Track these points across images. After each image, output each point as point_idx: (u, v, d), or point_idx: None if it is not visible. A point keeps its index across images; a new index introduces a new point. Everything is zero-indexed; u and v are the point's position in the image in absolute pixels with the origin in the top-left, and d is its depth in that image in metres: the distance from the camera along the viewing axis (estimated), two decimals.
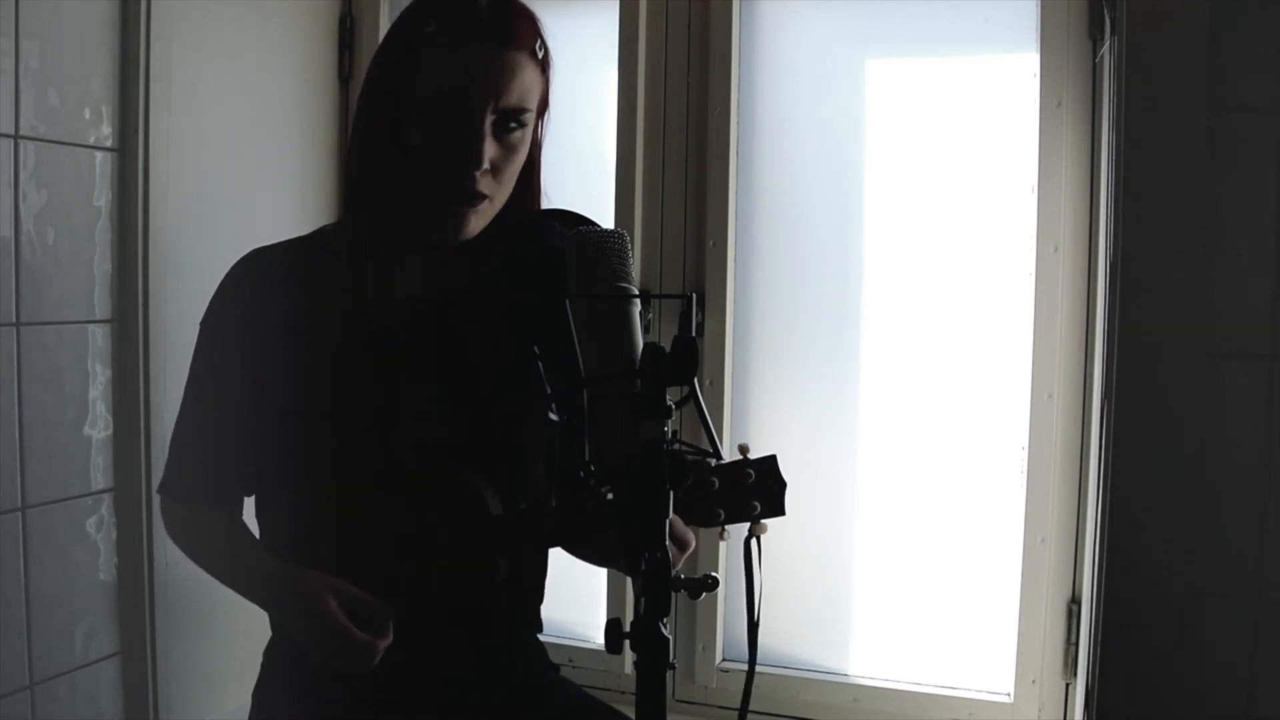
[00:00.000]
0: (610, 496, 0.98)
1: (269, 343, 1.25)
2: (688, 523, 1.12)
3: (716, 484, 1.05)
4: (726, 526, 1.08)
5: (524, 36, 1.19)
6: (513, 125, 1.21)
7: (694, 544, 1.14)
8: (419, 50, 1.19)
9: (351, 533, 1.21)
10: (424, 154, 1.20)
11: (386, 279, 1.28)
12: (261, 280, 1.28)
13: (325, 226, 1.34)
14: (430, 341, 1.28)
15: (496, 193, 1.23)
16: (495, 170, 1.21)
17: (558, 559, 1.37)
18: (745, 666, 1.03)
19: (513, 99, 1.19)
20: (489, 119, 1.18)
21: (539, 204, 1.31)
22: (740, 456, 1.11)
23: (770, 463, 1.09)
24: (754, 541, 1.02)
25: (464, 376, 1.27)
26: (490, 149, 1.19)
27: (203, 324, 1.30)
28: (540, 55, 1.22)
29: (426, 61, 1.18)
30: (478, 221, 1.23)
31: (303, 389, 1.24)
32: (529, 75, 1.20)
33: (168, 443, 1.34)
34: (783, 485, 1.09)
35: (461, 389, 1.27)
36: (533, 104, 1.22)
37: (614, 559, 1.23)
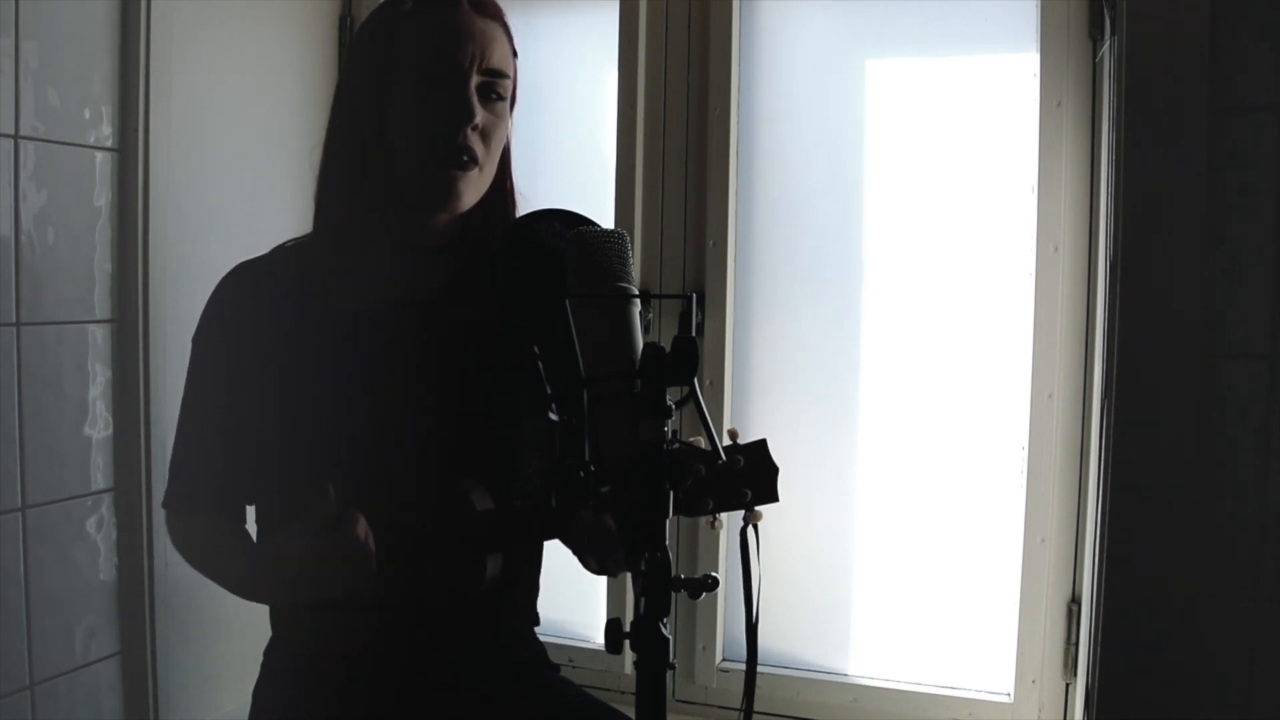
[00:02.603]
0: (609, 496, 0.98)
1: (259, 353, 1.26)
2: (676, 513, 1.11)
3: (704, 470, 0.98)
4: (718, 515, 1.05)
5: (499, 12, 1.26)
6: (494, 94, 1.24)
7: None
8: (398, 24, 1.22)
9: None
10: (413, 120, 1.21)
11: (374, 281, 1.28)
12: (248, 293, 1.29)
13: (308, 233, 1.33)
14: (419, 342, 1.28)
15: (484, 163, 1.24)
16: (484, 136, 1.23)
17: (559, 559, 1.38)
18: (745, 666, 1.02)
19: (494, 61, 1.23)
20: (474, 79, 1.22)
21: (514, 201, 1.32)
22: (730, 442, 1.08)
23: (760, 447, 1.05)
24: (750, 530, 1.01)
25: (453, 376, 1.28)
26: (478, 109, 1.22)
27: (194, 340, 1.31)
28: (510, 36, 1.27)
29: (408, 33, 1.22)
30: (469, 191, 1.24)
31: (295, 396, 1.24)
32: (505, 47, 1.25)
33: (168, 443, 1.35)
34: (774, 470, 1.05)
35: (451, 389, 1.27)
36: (510, 73, 1.26)
37: (607, 556, 1.22)
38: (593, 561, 1.24)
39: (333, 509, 1.15)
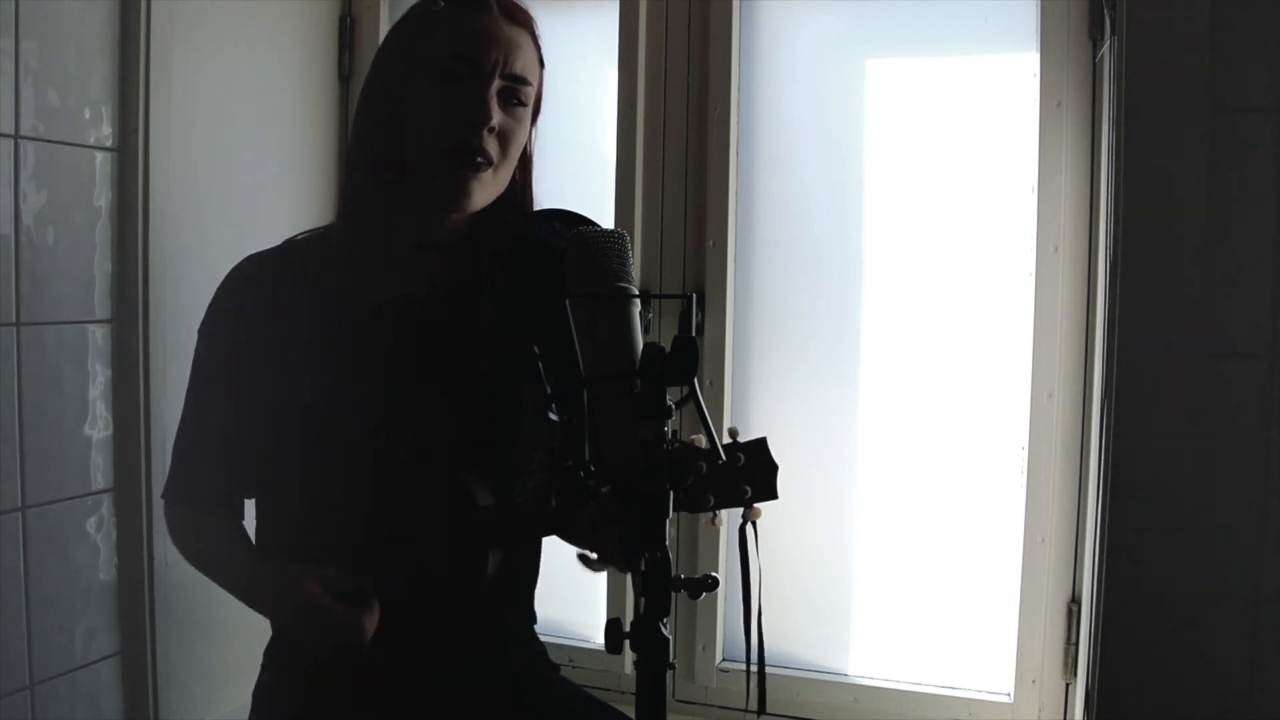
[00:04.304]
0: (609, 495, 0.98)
1: (265, 347, 1.26)
2: (678, 509, 1.11)
3: (704, 468, 1.01)
4: (718, 512, 1.05)
5: (528, 21, 1.27)
6: (515, 101, 1.25)
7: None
8: (428, 24, 1.23)
9: (348, 529, 1.22)
10: (432, 117, 1.22)
11: (385, 276, 1.29)
12: (256, 286, 1.29)
13: (320, 227, 1.34)
14: (426, 338, 1.28)
15: (499, 165, 1.25)
16: (500, 138, 1.23)
17: (558, 559, 1.38)
18: (745, 666, 1.02)
19: (518, 67, 1.24)
20: (495, 83, 1.23)
21: (532, 208, 1.33)
22: (730, 440, 1.09)
23: (760, 445, 1.06)
24: (750, 528, 1.02)
25: (459, 373, 1.28)
26: (496, 112, 1.21)
27: (200, 332, 1.31)
28: (539, 45, 1.28)
29: (435, 32, 1.23)
30: (480, 192, 1.24)
31: (300, 390, 1.24)
32: (531, 54, 1.26)
33: (168, 443, 1.35)
34: (774, 467, 1.06)
35: (455, 385, 1.28)
36: (534, 80, 1.26)
37: (608, 549, 1.23)
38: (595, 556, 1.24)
39: (366, 585, 1.18)
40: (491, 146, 1.23)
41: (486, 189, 1.25)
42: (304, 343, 1.26)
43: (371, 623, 1.17)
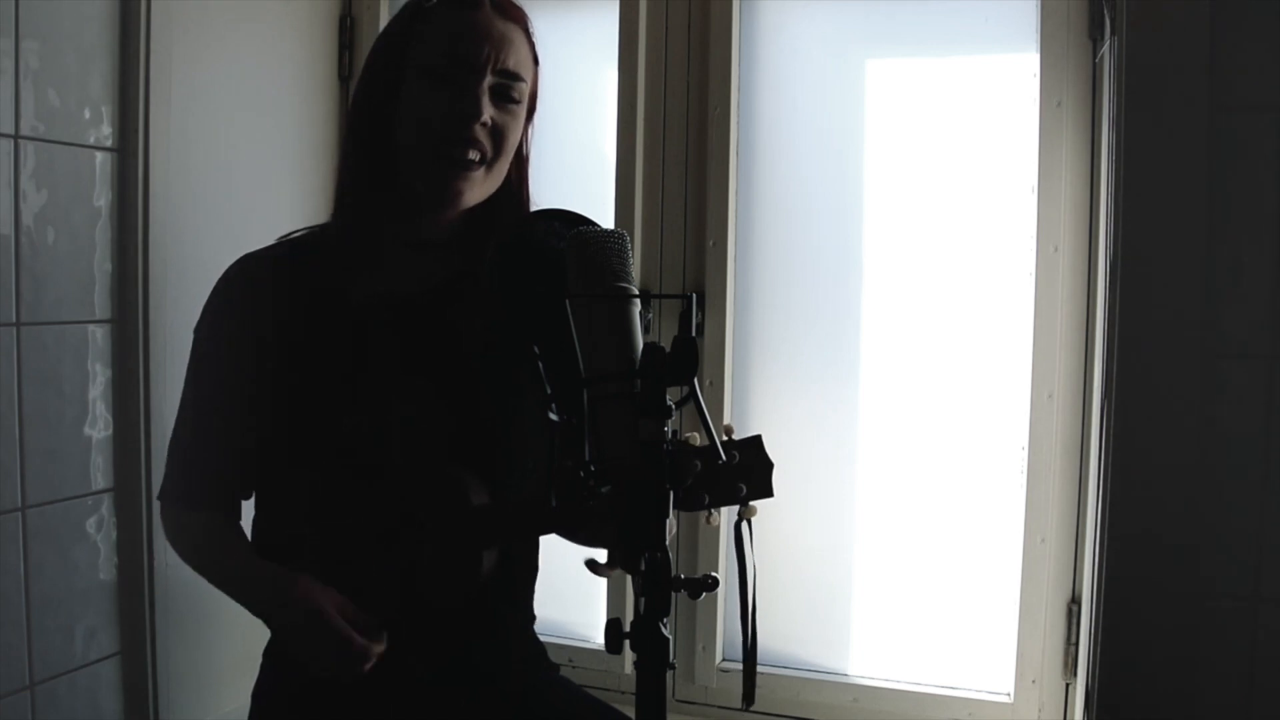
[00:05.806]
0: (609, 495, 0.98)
1: (260, 346, 1.26)
2: (674, 507, 1.11)
3: (699, 466, 1.01)
4: (713, 510, 1.06)
5: (521, 17, 1.27)
6: (508, 97, 1.25)
7: None
8: (420, 20, 1.24)
9: (344, 528, 1.22)
10: (423, 112, 1.22)
11: (379, 274, 1.29)
12: (251, 285, 1.29)
13: (315, 225, 1.34)
14: (420, 337, 1.28)
15: (492, 162, 1.25)
16: (493, 135, 1.23)
17: (557, 559, 1.38)
18: (742, 661, 1.02)
19: (510, 63, 1.24)
20: (488, 80, 1.23)
21: (526, 205, 1.33)
22: (725, 438, 1.09)
23: (755, 443, 1.07)
24: (744, 525, 1.02)
25: (454, 372, 1.28)
26: (488, 107, 1.21)
27: (196, 332, 1.31)
28: (532, 42, 1.28)
29: (427, 29, 1.23)
30: (471, 190, 1.24)
31: (296, 390, 1.25)
32: (524, 51, 1.26)
33: (168, 442, 1.35)
34: (769, 465, 1.06)
35: (451, 384, 1.28)
36: (528, 77, 1.26)
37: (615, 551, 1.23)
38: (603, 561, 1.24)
39: (374, 622, 1.19)
40: (484, 141, 1.23)
41: (477, 187, 1.25)
42: (299, 342, 1.26)
43: (377, 652, 1.17)
